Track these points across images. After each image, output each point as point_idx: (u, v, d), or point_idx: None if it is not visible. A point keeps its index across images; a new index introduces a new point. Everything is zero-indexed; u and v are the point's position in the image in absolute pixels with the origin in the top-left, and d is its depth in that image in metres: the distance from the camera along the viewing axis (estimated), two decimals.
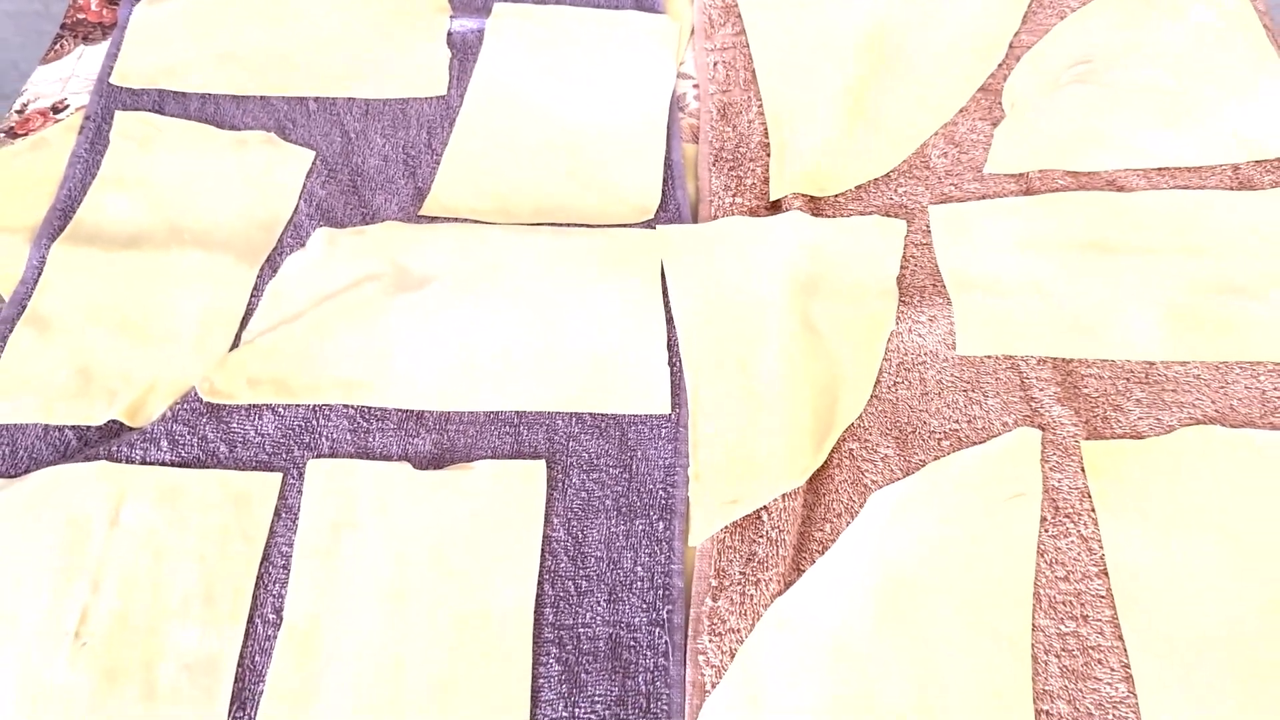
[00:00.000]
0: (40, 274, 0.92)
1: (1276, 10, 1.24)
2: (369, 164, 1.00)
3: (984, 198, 0.97)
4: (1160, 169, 0.99)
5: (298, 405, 0.83)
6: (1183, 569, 0.74)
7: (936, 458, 0.81)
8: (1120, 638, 0.72)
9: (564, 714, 0.69)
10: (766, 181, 0.99)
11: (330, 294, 0.89)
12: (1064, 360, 0.86)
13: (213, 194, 0.98)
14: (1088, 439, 0.81)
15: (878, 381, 0.85)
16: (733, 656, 0.71)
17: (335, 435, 0.82)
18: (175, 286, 0.91)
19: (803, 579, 0.75)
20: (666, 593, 0.74)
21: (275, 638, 0.72)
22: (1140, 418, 0.83)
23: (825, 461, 0.81)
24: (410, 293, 0.88)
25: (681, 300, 0.89)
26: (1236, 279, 0.90)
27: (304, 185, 0.99)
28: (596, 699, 0.70)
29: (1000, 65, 1.08)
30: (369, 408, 0.83)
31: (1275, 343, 0.86)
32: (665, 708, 0.70)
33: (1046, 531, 0.77)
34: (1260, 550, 0.75)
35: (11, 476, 0.80)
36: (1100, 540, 0.76)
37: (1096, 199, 0.96)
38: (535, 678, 0.71)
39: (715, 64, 1.09)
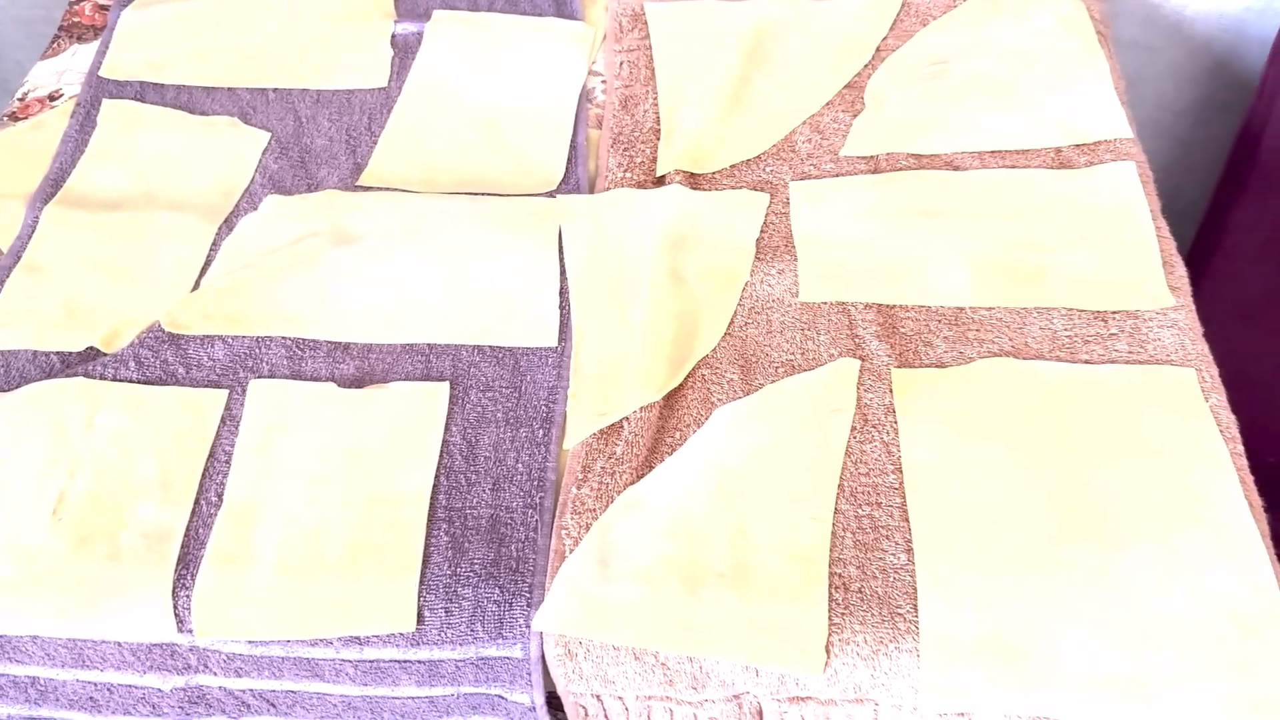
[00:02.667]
0: (34, 230, 1.09)
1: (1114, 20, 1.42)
2: (316, 143, 1.17)
3: (838, 176, 1.14)
4: (993, 151, 1.16)
5: (244, 336, 1.00)
6: (964, 467, 0.90)
7: (773, 381, 0.97)
8: (906, 519, 0.88)
9: (448, 572, 0.85)
10: (655, 161, 1.16)
11: (277, 247, 1.06)
12: (887, 305, 1.02)
13: (183, 167, 1.15)
14: (899, 368, 0.98)
15: (731, 322, 1.02)
16: (588, 530, 0.87)
17: (274, 361, 0.98)
18: (148, 241, 1.08)
19: (652, 473, 0.91)
20: (541, 484, 0.91)
21: (216, 515, 0.88)
22: (946, 352, 0.99)
23: (681, 384, 0.97)
24: (344, 246, 1.05)
25: (573, 255, 1.06)
26: (1041, 239, 1.06)
27: (260, 160, 1.16)
28: (476, 561, 0.86)
29: (867, 65, 1.25)
30: (303, 339, 1.00)
31: (1067, 291, 1.02)
32: (530, 569, 0.86)
33: (855, 438, 0.93)
34: (1031, 456, 0.91)
35: (5, 391, 0.97)
36: (899, 445, 0.92)
37: (933, 176, 1.13)
38: (427, 546, 0.87)
39: (621, 63, 1.27)
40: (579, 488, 0.90)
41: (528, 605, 0.84)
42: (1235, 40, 1.47)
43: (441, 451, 0.92)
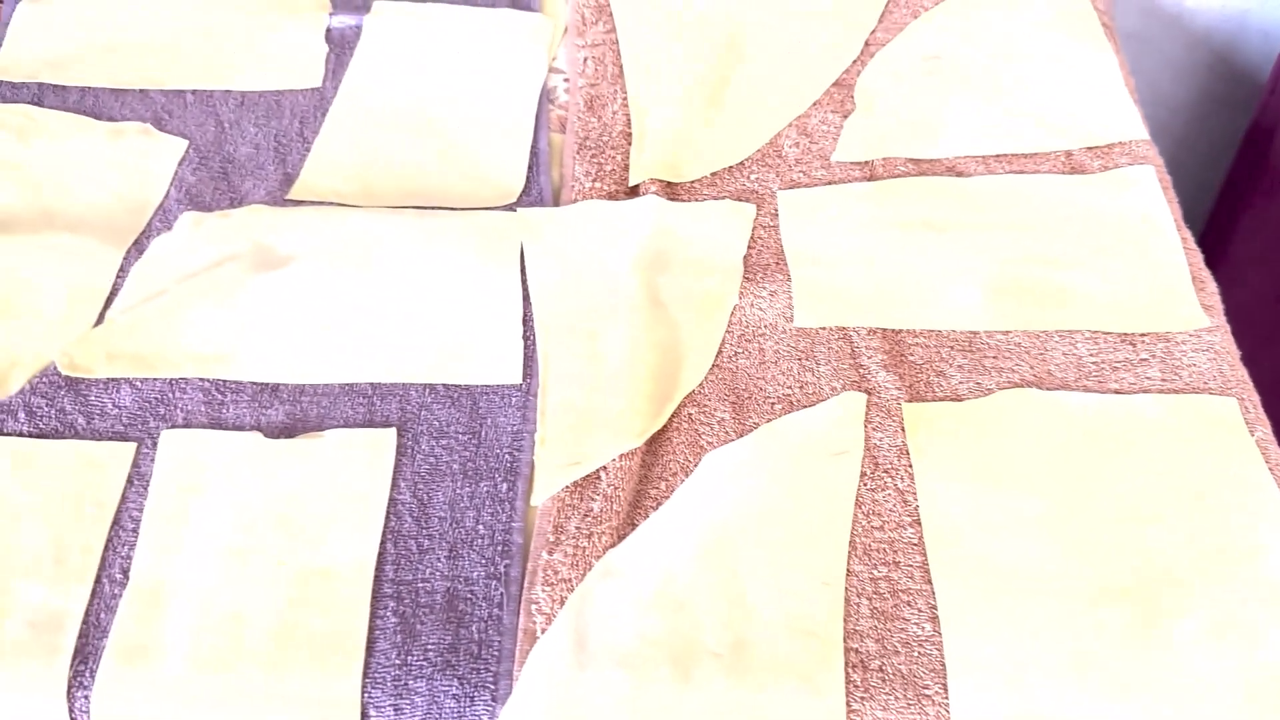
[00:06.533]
0: None
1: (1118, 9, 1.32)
2: (240, 152, 1.03)
3: (830, 184, 1.02)
4: (998, 155, 1.05)
5: (155, 379, 0.85)
6: (990, 517, 0.79)
7: (769, 420, 0.85)
8: (929, 581, 0.77)
9: (396, 661, 0.72)
10: (627, 169, 1.03)
11: (192, 273, 0.92)
12: (893, 330, 0.91)
13: (86, 182, 1.01)
14: (910, 402, 0.86)
15: (719, 352, 0.90)
16: (563, 605, 0.75)
17: (190, 407, 0.84)
18: (42, 268, 0.93)
19: (635, 532, 0.79)
20: (506, 548, 0.78)
21: (120, 596, 0.75)
22: (961, 382, 0.88)
23: (665, 425, 0.85)
24: (270, 271, 0.91)
25: (538, 277, 0.93)
26: (1058, 254, 0.95)
27: (175, 172, 1.01)
28: (429, 647, 0.73)
29: (855, 61, 1.14)
30: (224, 381, 0.86)
31: (1090, 312, 0.92)
32: (495, 654, 0.73)
33: (865, 485, 0.82)
34: (1062, 498, 0.80)
35: None
36: (915, 493, 0.81)
37: (935, 184, 1.02)
38: (371, 629, 0.74)
39: (585, 59, 1.14)
40: (550, 553, 0.78)
41: (493, 700, 0.71)
42: (1236, 31, 1.39)
43: (388, 513, 0.79)
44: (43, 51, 1.12)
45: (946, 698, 0.71)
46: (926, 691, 0.72)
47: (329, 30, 1.15)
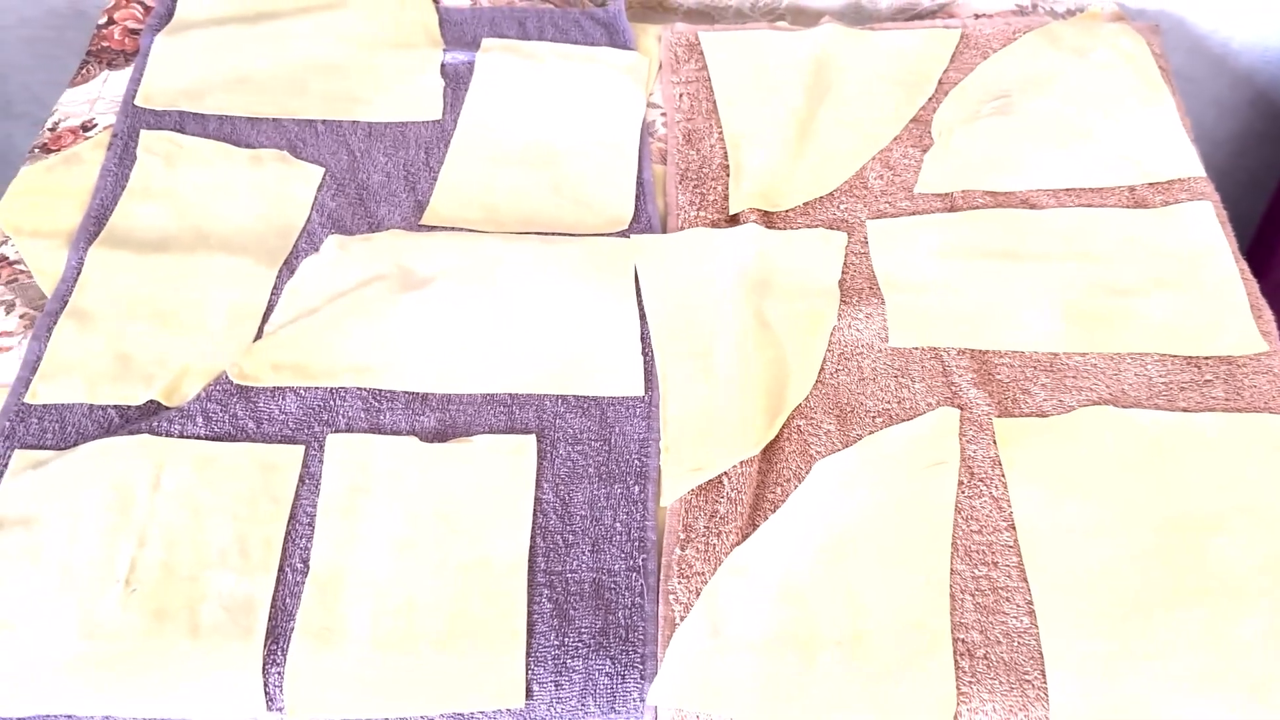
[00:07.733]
0: (79, 274, 1.03)
1: (1171, 53, 1.41)
2: (373, 179, 1.12)
3: (914, 214, 1.11)
4: (1067, 189, 1.14)
5: (316, 388, 0.94)
6: (1077, 522, 0.88)
7: (871, 432, 0.94)
8: (1025, 579, 0.85)
9: (555, 643, 0.81)
10: (726, 198, 1.12)
11: (342, 292, 1.01)
12: (980, 351, 1.00)
13: (233, 205, 1.10)
14: (999, 417, 0.95)
15: (821, 369, 0.99)
16: (698, 595, 0.83)
17: (350, 414, 0.93)
18: (203, 285, 1.02)
19: (757, 532, 0.87)
20: (642, 544, 0.87)
21: (303, 584, 0.83)
22: (1045, 399, 0.97)
23: (777, 435, 0.94)
24: (414, 291, 1.00)
25: (652, 299, 1.02)
26: (1126, 282, 1.04)
27: (315, 198, 1.10)
28: (583, 630, 0.82)
29: (930, 99, 1.23)
30: (379, 390, 0.95)
31: (1159, 336, 1.00)
32: (640, 637, 0.82)
33: (963, 493, 0.90)
34: (1139, 507, 0.89)
35: (62, 449, 0.90)
36: (1008, 500, 0.90)
37: (1011, 215, 1.11)
38: (530, 614, 0.82)
39: (681, 95, 1.23)
40: (683, 549, 0.86)
41: (641, 677, 0.80)
42: (1279, 71, 1.47)
43: (535, 510, 0.88)
44: (181, 81, 1.21)
45: (1045, 683, 0.80)
46: (1027, 677, 0.80)
47: (443, 65, 1.24)
